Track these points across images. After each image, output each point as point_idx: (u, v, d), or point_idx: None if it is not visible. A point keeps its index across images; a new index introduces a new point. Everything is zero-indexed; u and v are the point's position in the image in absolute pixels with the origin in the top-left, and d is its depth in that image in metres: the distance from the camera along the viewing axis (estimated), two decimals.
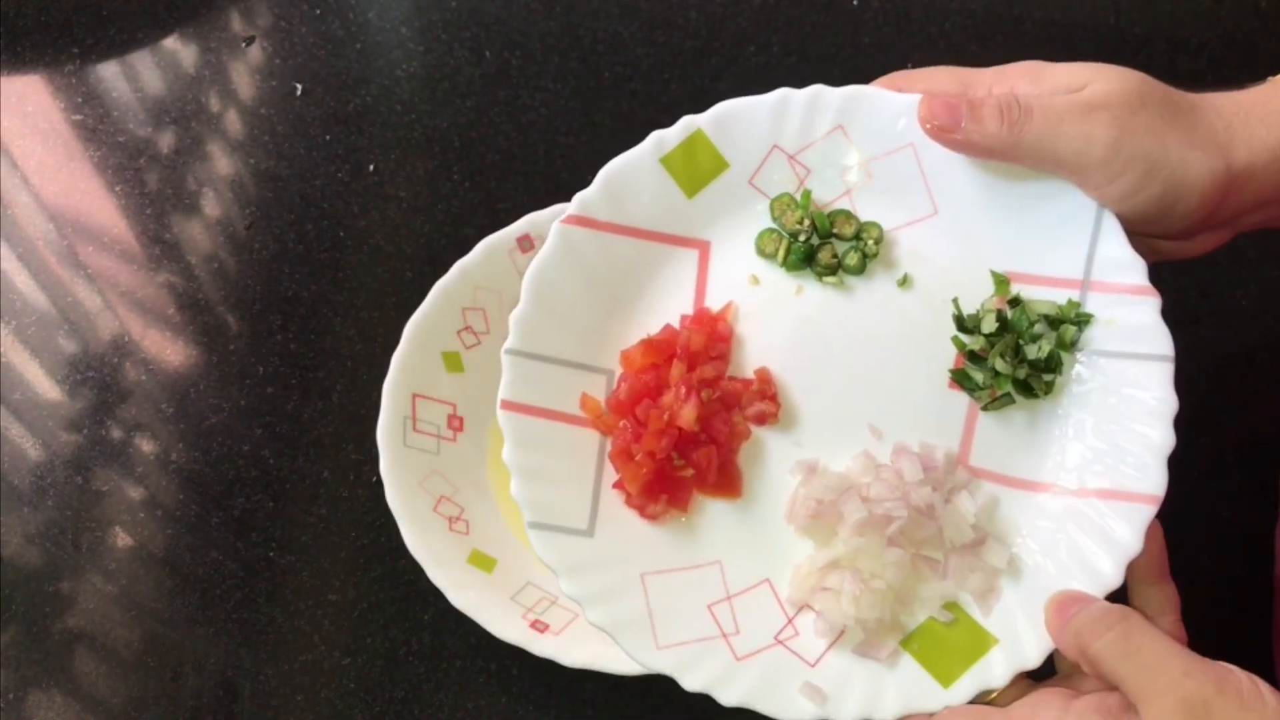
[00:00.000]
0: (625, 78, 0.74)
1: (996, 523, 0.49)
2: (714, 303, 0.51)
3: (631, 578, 0.48)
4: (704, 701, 0.57)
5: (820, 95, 0.51)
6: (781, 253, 0.51)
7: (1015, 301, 0.49)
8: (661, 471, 0.49)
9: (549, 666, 0.53)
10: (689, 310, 0.51)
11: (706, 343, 0.50)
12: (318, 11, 0.77)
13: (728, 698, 0.46)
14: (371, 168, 0.72)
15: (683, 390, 0.49)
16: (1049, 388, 0.49)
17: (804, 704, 0.46)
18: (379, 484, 0.57)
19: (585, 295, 0.51)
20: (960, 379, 0.49)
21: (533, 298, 0.50)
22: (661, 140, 0.51)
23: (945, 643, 0.48)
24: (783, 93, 0.51)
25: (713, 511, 0.50)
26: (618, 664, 0.53)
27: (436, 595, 0.54)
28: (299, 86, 0.74)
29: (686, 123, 0.51)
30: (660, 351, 0.50)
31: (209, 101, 0.74)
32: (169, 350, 0.67)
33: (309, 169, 0.72)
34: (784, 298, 0.51)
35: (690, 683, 0.47)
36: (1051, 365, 0.48)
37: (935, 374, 0.50)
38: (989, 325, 0.49)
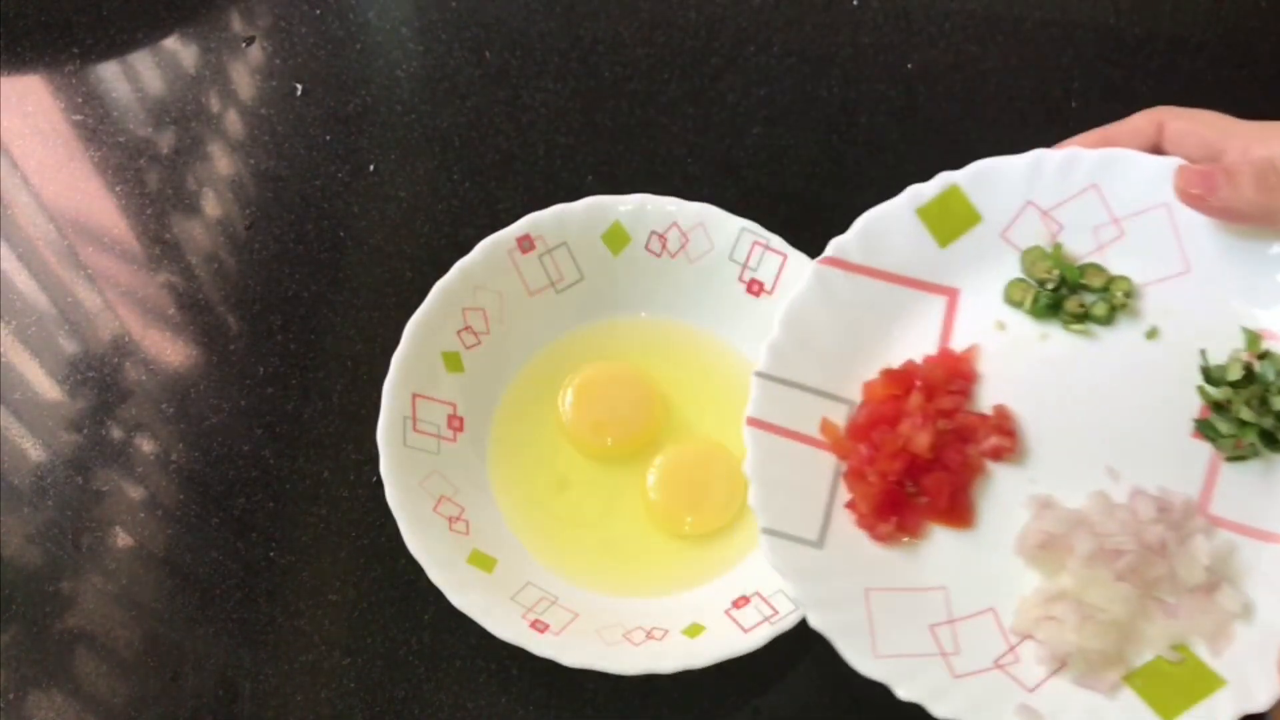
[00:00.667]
0: (625, 78, 0.74)
1: (1232, 568, 0.49)
2: (958, 346, 0.54)
3: (856, 590, 0.50)
4: (703, 703, 0.57)
5: (1075, 157, 0.54)
6: (1029, 301, 0.54)
7: (1264, 355, 0.51)
8: (893, 494, 0.51)
9: (549, 666, 0.53)
10: (933, 351, 0.54)
11: (946, 377, 0.52)
12: (318, 12, 0.77)
13: (940, 710, 0.47)
14: (371, 168, 0.72)
15: (919, 418, 0.51)
16: None
17: None
18: (379, 484, 0.57)
19: (834, 330, 0.54)
20: (1205, 429, 0.50)
21: (786, 327, 0.53)
22: (919, 193, 0.55)
23: (1170, 680, 0.48)
24: (1038, 154, 0.54)
25: (942, 539, 0.51)
26: (618, 664, 0.53)
27: (436, 595, 0.54)
28: (299, 86, 0.74)
29: (944, 179, 0.55)
30: (901, 383, 0.52)
31: (209, 102, 0.74)
32: (169, 350, 0.67)
33: (309, 169, 0.72)
34: (1028, 342, 0.53)
35: (905, 692, 0.47)
36: None
37: (1178, 423, 0.51)
38: (1235, 373, 0.50)
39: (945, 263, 0.55)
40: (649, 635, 0.55)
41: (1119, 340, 0.53)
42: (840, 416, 0.53)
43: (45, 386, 0.67)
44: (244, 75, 0.75)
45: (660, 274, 0.63)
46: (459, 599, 0.54)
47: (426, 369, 0.60)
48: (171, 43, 0.77)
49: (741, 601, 0.56)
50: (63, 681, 0.59)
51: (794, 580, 0.49)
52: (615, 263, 0.63)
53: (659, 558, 0.60)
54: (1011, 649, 0.49)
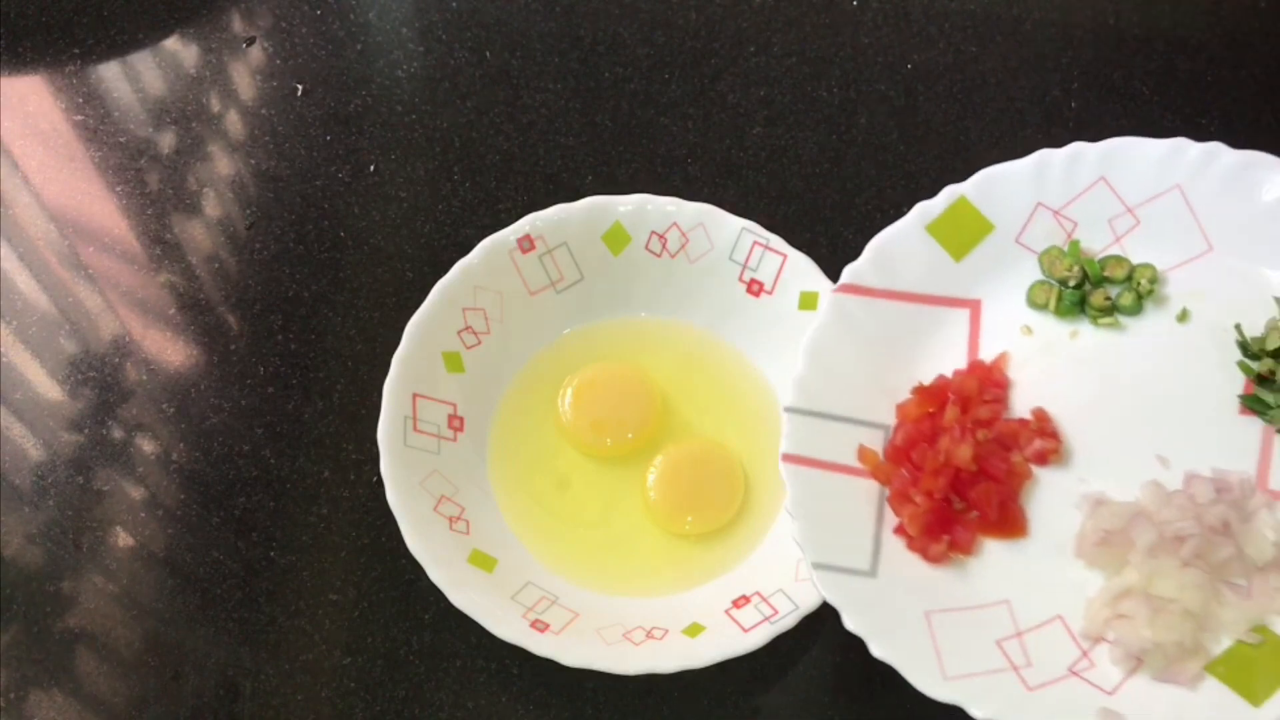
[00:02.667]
0: (625, 78, 0.74)
1: None
2: (987, 355, 0.53)
3: (915, 615, 0.49)
4: (703, 703, 0.57)
5: (1080, 152, 0.54)
6: (1053, 301, 0.53)
7: None
8: (941, 513, 0.50)
9: (549, 666, 0.53)
10: (962, 365, 0.53)
11: (980, 387, 0.52)
12: (318, 12, 0.77)
13: None
14: (372, 168, 0.72)
15: (957, 431, 0.50)
16: None
17: None
18: (379, 484, 0.57)
19: (860, 356, 0.53)
20: (1251, 404, 0.50)
21: (810, 359, 0.53)
22: (926, 210, 0.54)
23: (1254, 663, 0.47)
24: (1042, 154, 0.54)
25: (998, 552, 0.50)
26: (618, 664, 0.53)
27: (437, 595, 0.54)
28: (300, 87, 0.74)
29: (951, 192, 0.54)
30: (934, 398, 0.52)
31: (210, 102, 0.74)
32: (170, 350, 0.67)
33: (309, 169, 0.72)
34: (1059, 343, 0.53)
35: (980, 712, 0.46)
36: None
37: (1223, 401, 0.50)
38: (1275, 342, 0.50)
39: (963, 275, 0.55)
40: (649, 635, 0.55)
41: (1150, 328, 0.52)
42: (877, 442, 0.52)
43: (46, 386, 0.67)
44: (244, 75, 0.75)
45: (660, 274, 0.63)
46: (459, 599, 0.54)
47: (427, 369, 0.60)
48: (172, 43, 0.77)
49: (741, 601, 0.56)
50: (63, 681, 0.59)
51: (851, 612, 0.48)
52: (615, 263, 0.63)
53: (659, 557, 0.60)
54: (1085, 654, 0.48)
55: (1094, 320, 0.53)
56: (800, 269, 0.61)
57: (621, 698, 0.57)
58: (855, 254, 0.57)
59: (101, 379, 0.66)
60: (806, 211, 0.68)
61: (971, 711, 0.46)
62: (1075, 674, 0.48)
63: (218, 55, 0.76)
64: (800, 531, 0.50)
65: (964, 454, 0.50)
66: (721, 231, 0.62)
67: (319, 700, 0.58)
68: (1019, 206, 0.55)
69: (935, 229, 0.54)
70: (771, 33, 0.74)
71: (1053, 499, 0.51)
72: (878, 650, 0.47)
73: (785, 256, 0.61)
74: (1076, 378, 0.52)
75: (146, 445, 0.65)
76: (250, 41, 0.76)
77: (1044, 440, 0.51)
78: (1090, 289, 0.53)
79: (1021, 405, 0.52)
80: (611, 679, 0.53)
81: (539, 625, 0.55)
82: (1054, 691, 0.47)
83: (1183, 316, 0.52)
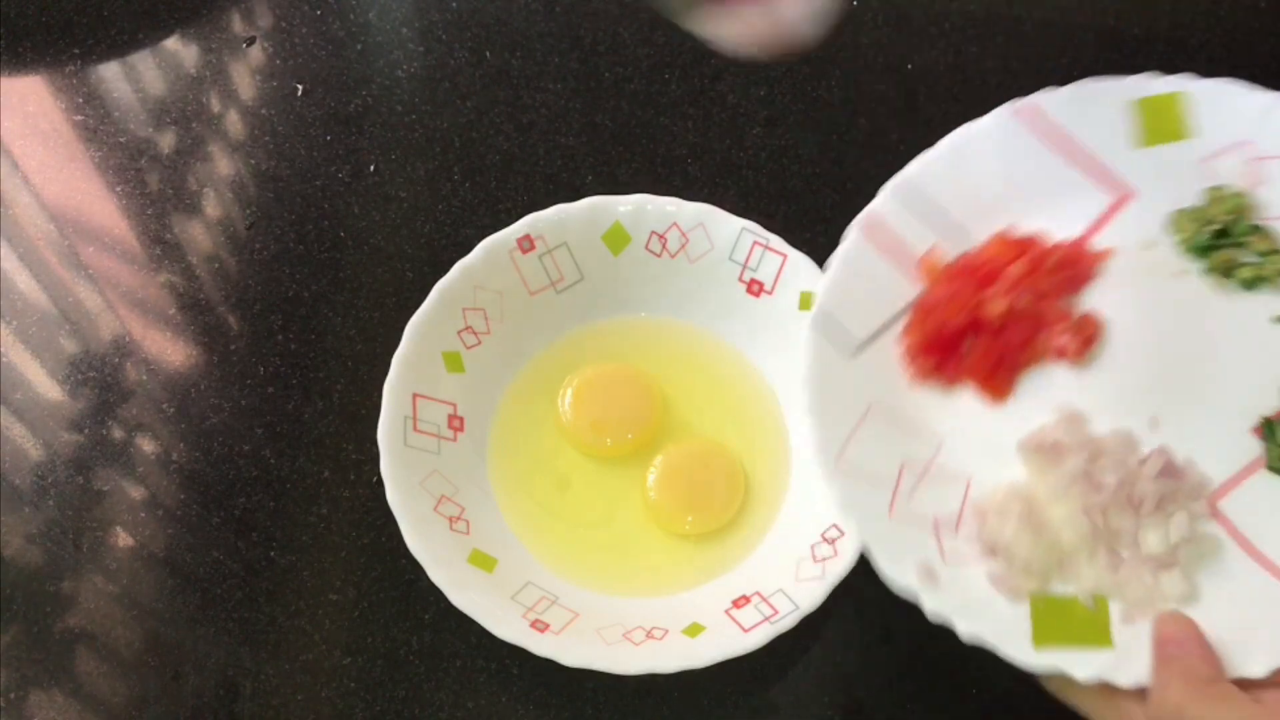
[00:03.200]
0: (625, 78, 0.74)
1: (1200, 561, 0.48)
2: (1100, 244, 0.52)
3: (860, 403, 0.51)
4: (703, 703, 0.57)
5: None
6: (1188, 234, 0.52)
7: None
8: (946, 339, 0.51)
9: (549, 666, 0.53)
10: (1068, 237, 0.53)
11: (1062, 262, 0.51)
12: (318, 12, 0.77)
13: (856, 530, 0.48)
14: (372, 168, 0.72)
15: (1006, 285, 0.51)
16: None
17: (911, 575, 0.47)
18: (379, 484, 0.57)
19: (995, 173, 0.53)
20: (1267, 430, 0.49)
21: (950, 150, 0.53)
22: (1144, 85, 0.53)
23: (1068, 620, 0.47)
24: (1277, 97, 0.52)
25: (968, 401, 0.51)
26: (618, 664, 0.53)
27: (437, 595, 0.54)
28: (300, 87, 0.74)
29: (1178, 82, 0.53)
30: (1017, 249, 0.52)
31: (210, 102, 0.74)
32: (170, 350, 0.67)
33: (309, 169, 0.72)
34: (1163, 272, 0.52)
35: (837, 496, 0.48)
36: None
37: (1247, 411, 0.50)
38: None
39: (1135, 162, 0.53)
40: (649, 635, 0.55)
41: (1246, 309, 0.51)
42: (951, 253, 0.53)
43: (46, 386, 0.67)
44: (245, 75, 0.75)
45: (660, 274, 0.63)
46: (459, 598, 0.54)
47: (427, 369, 0.60)
48: (172, 43, 0.77)
49: (741, 601, 0.56)
50: (63, 681, 0.59)
51: (812, 381, 0.50)
52: (615, 263, 0.63)
53: (659, 558, 0.60)
54: (958, 521, 0.49)
55: (1206, 271, 0.51)
56: (800, 269, 0.61)
57: (621, 698, 0.57)
58: None
59: (101, 379, 0.66)
60: (806, 211, 0.68)
61: (830, 490, 0.48)
62: (935, 527, 0.49)
63: (218, 55, 0.76)
64: (831, 277, 0.52)
65: (996, 308, 0.51)
66: (721, 231, 0.62)
67: (319, 700, 0.58)
68: (1227, 132, 0.52)
69: (1144, 105, 0.53)
70: None
71: (1045, 391, 0.51)
72: (802, 397, 0.50)
73: (785, 256, 0.61)
74: (1152, 311, 0.51)
75: (146, 445, 0.65)
76: (250, 41, 0.76)
77: (1072, 338, 0.51)
78: (1225, 243, 0.51)
79: (1090, 302, 0.52)
80: (611, 679, 0.53)
81: (539, 625, 0.55)
82: (908, 529, 0.48)
83: (1278, 320, 0.51)
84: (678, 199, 0.62)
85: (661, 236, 0.63)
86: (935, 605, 0.46)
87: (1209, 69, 0.71)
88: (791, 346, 0.55)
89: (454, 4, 0.77)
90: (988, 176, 0.53)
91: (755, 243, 0.62)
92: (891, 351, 0.52)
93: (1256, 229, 0.52)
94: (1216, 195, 0.52)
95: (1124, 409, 0.50)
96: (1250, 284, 0.51)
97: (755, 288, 0.62)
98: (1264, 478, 0.49)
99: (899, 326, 0.52)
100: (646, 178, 0.70)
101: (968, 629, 0.46)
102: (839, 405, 0.50)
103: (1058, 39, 0.73)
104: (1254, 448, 0.49)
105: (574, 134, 0.72)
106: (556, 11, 0.76)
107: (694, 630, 0.55)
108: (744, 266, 0.62)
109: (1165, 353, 0.51)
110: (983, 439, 0.51)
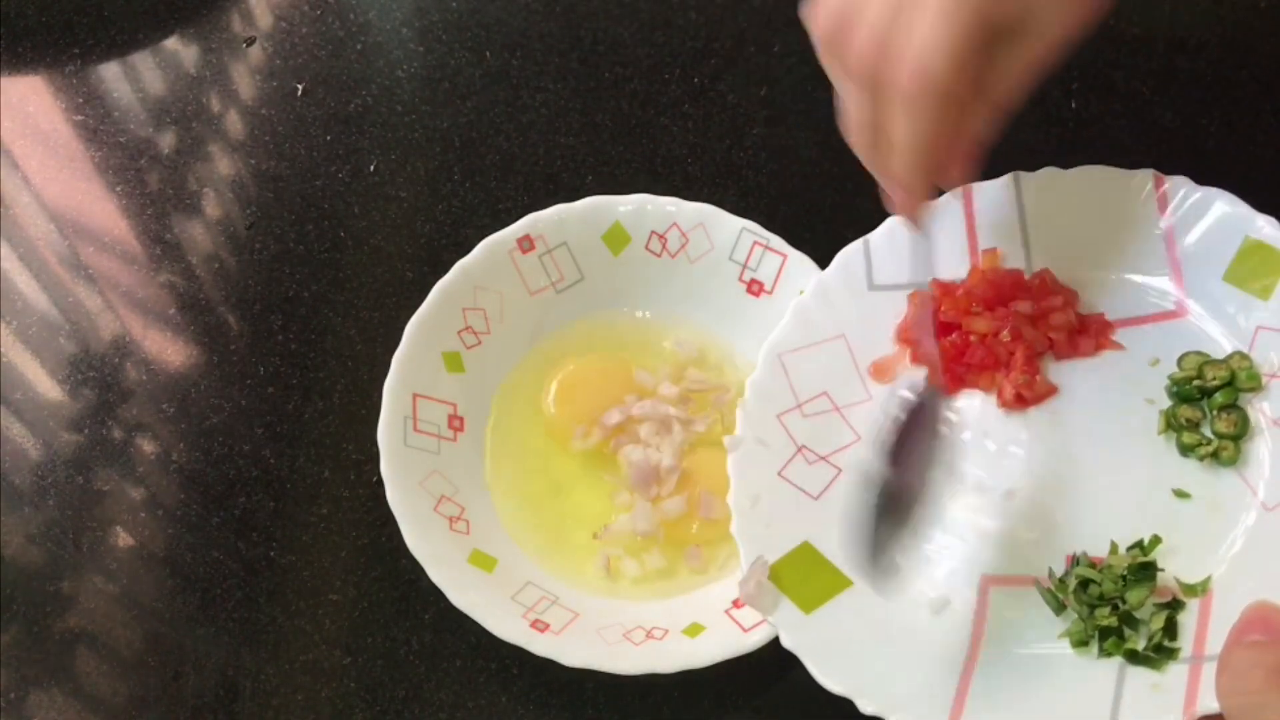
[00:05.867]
0: (625, 78, 0.74)
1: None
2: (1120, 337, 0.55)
3: (835, 329, 0.58)
4: (703, 703, 0.57)
5: None
6: (1186, 373, 0.53)
7: (1170, 603, 0.49)
8: (939, 326, 0.56)
9: (549, 666, 0.53)
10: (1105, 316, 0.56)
11: (1071, 329, 0.55)
12: (318, 12, 0.77)
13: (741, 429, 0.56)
14: (372, 168, 0.72)
15: (1005, 314, 0.55)
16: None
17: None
18: (379, 484, 0.57)
19: (1080, 219, 0.57)
20: (1077, 561, 0.51)
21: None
22: (1266, 227, 0.53)
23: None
24: None
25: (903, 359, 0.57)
26: (618, 664, 0.53)
27: (437, 595, 0.54)
28: (300, 87, 0.74)
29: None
30: (1044, 293, 0.56)
31: (210, 102, 0.74)
32: (170, 350, 0.67)
33: (309, 169, 0.72)
34: (1136, 388, 0.54)
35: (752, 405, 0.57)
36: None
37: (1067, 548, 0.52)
38: (1116, 559, 0.50)
39: (1211, 290, 0.54)
40: (649, 635, 0.55)
41: (1155, 465, 0.52)
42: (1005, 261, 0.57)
43: (46, 386, 0.67)
44: (244, 75, 0.75)
45: (660, 274, 0.63)
46: (459, 599, 0.54)
47: (427, 369, 0.60)
48: (172, 43, 0.77)
49: (742, 601, 0.56)
50: (63, 681, 0.59)
51: (792, 317, 0.58)
52: (615, 263, 0.63)
53: (656, 559, 0.60)
54: (797, 406, 0.56)
55: (1170, 413, 0.53)
56: (800, 269, 0.61)
57: (621, 698, 0.57)
58: None
59: (101, 379, 0.66)
60: (806, 211, 0.68)
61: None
62: (803, 449, 0.56)
63: (218, 55, 0.76)
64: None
65: (977, 325, 0.55)
66: (721, 231, 0.62)
67: (319, 700, 0.58)
68: None
69: (1249, 247, 0.53)
70: (771, 33, 0.74)
71: (968, 409, 0.55)
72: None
73: (785, 256, 0.61)
74: (1094, 413, 0.54)
75: (146, 445, 0.65)
76: (250, 41, 0.76)
77: (1016, 393, 0.54)
78: (1199, 399, 0.52)
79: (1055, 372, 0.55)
80: (611, 679, 0.53)
81: (539, 625, 0.55)
82: (778, 423, 0.56)
83: (1181, 494, 0.51)
84: (678, 199, 0.62)
85: (661, 236, 0.63)
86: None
87: (1209, 69, 0.71)
88: None
89: (454, 4, 0.77)
90: (1080, 221, 0.56)
91: (755, 243, 0.62)
92: (892, 298, 0.57)
93: (1235, 409, 0.52)
94: (1237, 360, 0.53)
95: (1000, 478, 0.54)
96: (1186, 450, 0.52)
97: (755, 288, 0.62)
98: (999, 596, 0.52)
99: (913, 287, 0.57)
100: (646, 178, 0.70)
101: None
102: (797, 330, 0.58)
103: None
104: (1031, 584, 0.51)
105: (574, 134, 0.72)
106: (556, 11, 0.76)
107: (694, 630, 0.55)
108: (744, 266, 0.62)
109: (1074, 473, 0.53)
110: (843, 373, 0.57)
